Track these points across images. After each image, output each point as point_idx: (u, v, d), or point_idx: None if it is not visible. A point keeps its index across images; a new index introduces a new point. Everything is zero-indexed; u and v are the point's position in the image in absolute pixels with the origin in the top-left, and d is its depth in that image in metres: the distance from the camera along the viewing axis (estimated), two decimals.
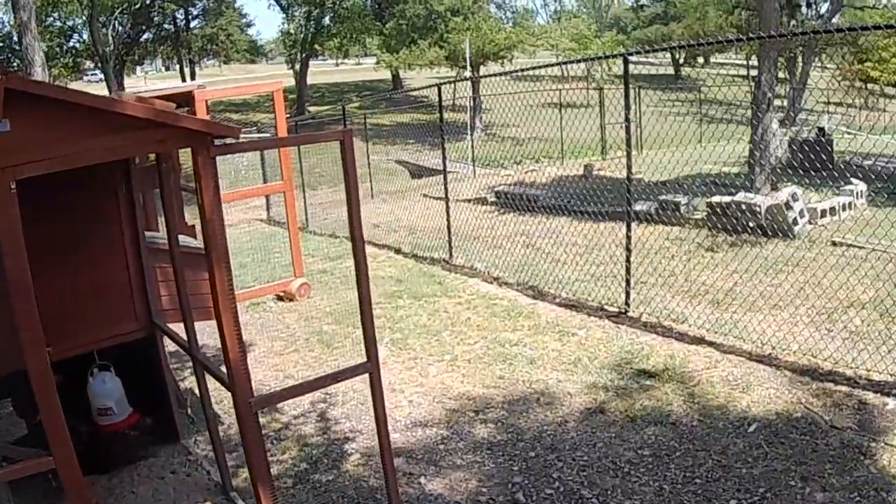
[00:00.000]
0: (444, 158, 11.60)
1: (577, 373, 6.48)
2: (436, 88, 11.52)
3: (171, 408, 5.54)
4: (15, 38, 37.22)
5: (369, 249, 12.68)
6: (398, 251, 12.33)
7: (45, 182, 3.13)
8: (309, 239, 14.87)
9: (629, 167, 7.99)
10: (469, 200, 14.25)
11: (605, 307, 8.23)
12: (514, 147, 24.57)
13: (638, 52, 8.83)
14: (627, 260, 8.02)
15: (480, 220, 11.75)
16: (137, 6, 38.64)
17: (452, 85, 29.38)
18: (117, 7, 37.53)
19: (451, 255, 11.11)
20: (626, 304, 8.01)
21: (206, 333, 5.84)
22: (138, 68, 68.78)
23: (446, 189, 11.32)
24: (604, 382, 6.23)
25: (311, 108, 40.51)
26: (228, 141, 3.58)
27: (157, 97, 9.61)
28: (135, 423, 5.31)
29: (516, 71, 9.82)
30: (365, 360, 3.95)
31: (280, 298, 10.05)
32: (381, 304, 9.18)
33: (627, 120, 7.84)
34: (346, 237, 14.22)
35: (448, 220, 11.26)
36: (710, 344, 6.88)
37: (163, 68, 67.44)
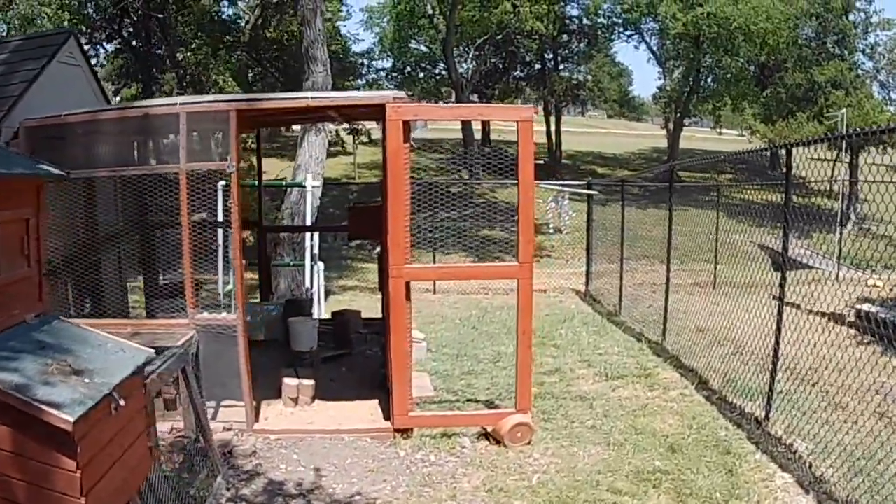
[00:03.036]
0: (785, 254, 7.17)
1: None
2: (815, 169, 7.33)
3: None
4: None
5: (667, 374, 8.68)
6: (703, 384, 8.14)
7: None
8: (607, 334, 11.07)
9: None
10: (824, 315, 9.45)
11: None
12: (889, 249, 18.75)
13: None
14: None
15: (829, 350, 7.06)
16: (500, 38, 36.69)
17: (831, 165, 24.34)
18: (478, 37, 35.98)
19: (768, 412, 6.81)
20: None
21: None
22: None
23: (781, 298, 7.01)
24: None
25: (681, 173, 36.35)
26: None
27: (329, 105, 6.60)
28: None
29: None
30: None
31: (486, 436, 6.52)
32: (621, 495, 5.34)
33: None
34: (655, 341, 10.27)
35: (775, 351, 6.95)
36: None
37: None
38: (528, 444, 6.29)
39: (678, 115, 39.93)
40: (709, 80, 39.74)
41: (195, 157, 6.29)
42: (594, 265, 15.97)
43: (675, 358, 9.22)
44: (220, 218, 12.48)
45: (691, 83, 38.46)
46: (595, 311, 13.44)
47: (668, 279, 10.61)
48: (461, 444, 6.33)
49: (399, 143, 5.90)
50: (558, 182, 19.91)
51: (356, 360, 8.97)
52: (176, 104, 6.53)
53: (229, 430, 6.78)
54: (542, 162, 41.58)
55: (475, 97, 41.47)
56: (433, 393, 7.68)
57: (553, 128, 41.81)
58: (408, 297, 6.29)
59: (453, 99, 36.33)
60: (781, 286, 7.03)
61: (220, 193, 12.31)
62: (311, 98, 6.16)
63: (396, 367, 6.36)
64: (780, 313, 6.92)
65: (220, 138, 6.58)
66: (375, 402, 7.38)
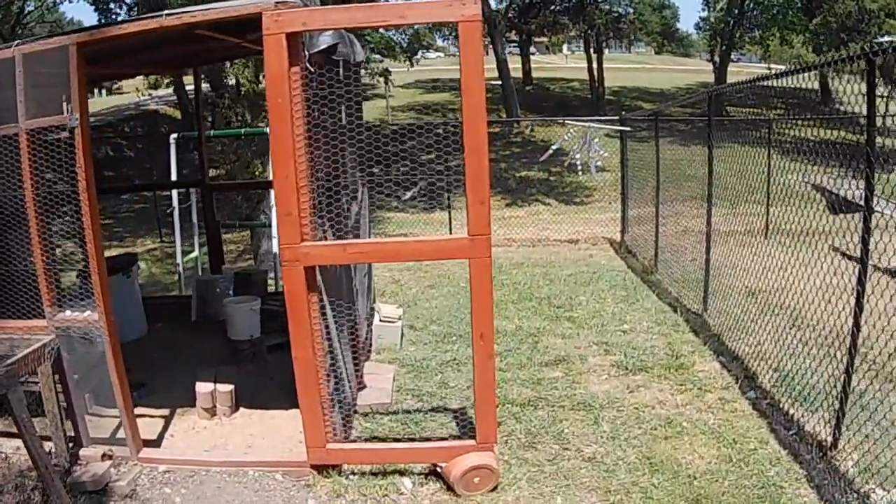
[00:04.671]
0: (870, 194, 4.77)
1: None
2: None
3: None
4: None
5: (704, 365, 6.39)
6: (750, 380, 5.96)
7: None
8: (637, 301, 8.80)
9: None
10: (892, 273, 7.06)
11: None
12: None
13: None
14: None
15: None
16: None
17: (885, 101, 21.80)
18: None
19: (838, 430, 4.62)
20: None
21: None
22: (565, 46, 64.86)
23: (864, 259, 4.68)
24: None
25: (730, 108, 33.35)
26: None
27: (190, 23, 4.52)
28: None
29: None
30: None
31: (435, 473, 4.51)
32: None
33: None
34: (694, 311, 7.82)
35: (850, 352, 4.65)
36: None
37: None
38: (493, 490, 4.28)
39: (723, 47, 36.72)
40: (754, 11, 36.40)
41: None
42: (635, 209, 13.66)
43: (716, 338, 7.02)
44: (174, 177, 10.44)
45: (735, 13, 35.18)
46: (628, 268, 11.27)
47: (708, 235, 8.37)
48: (398, 489, 4.34)
49: (282, 65, 3.82)
50: (587, 119, 17.44)
51: None
52: (11, 46, 4.65)
53: (109, 457, 4.94)
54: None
55: (512, 34, 38.64)
56: (389, 400, 5.70)
57: (595, 64, 38.90)
58: (311, 289, 4.29)
59: (487, 39, 33.56)
60: (864, 241, 4.64)
61: (172, 147, 10.29)
62: (166, 16, 4.14)
63: (302, 388, 4.39)
64: (860, 292, 4.65)
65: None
66: None
